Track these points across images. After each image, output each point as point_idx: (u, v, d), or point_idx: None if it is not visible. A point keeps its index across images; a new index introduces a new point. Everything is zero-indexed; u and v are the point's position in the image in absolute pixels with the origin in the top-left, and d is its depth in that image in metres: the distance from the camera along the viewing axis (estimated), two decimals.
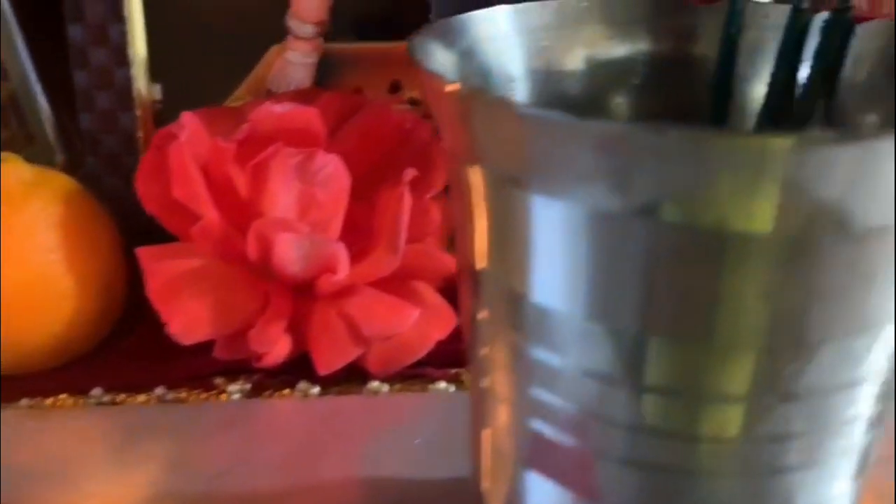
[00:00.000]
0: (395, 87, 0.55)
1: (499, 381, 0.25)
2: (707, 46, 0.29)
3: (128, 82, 0.53)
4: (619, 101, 0.30)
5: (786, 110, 0.28)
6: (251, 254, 0.42)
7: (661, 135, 0.18)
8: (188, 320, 0.41)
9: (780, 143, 0.18)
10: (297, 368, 0.43)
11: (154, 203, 0.44)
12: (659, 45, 0.30)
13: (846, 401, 0.22)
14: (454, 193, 0.26)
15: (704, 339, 0.21)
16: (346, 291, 0.43)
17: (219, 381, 0.43)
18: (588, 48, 0.29)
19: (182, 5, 0.54)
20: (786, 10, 0.27)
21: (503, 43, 0.28)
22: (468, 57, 0.27)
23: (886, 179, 0.18)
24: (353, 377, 0.43)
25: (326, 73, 0.54)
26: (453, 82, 0.22)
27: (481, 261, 0.24)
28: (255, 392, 0.43)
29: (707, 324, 0.21)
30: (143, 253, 0.43)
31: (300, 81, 0.54)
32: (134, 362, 0.44)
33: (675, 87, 0.30)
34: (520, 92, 0.29)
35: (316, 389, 0.43)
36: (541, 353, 0.23)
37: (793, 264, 0.20)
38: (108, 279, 0.44)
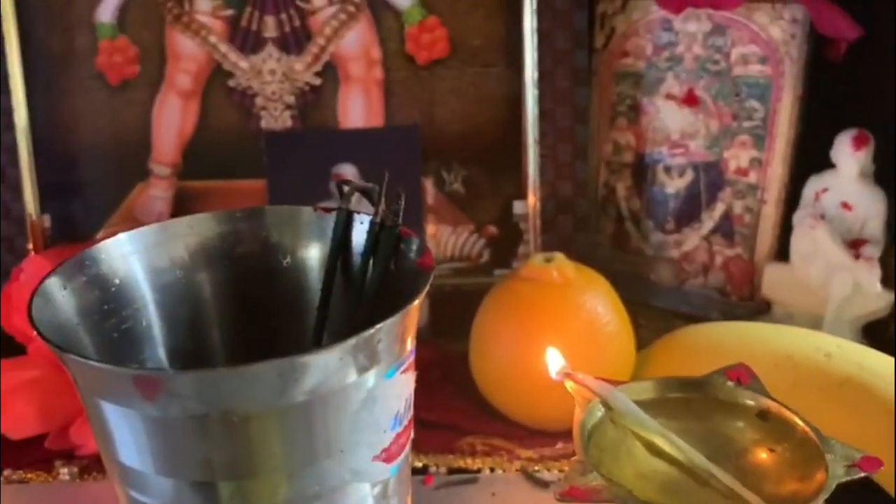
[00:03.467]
0: None
1: None
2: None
3: (23, 213, 0.58)
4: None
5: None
6: None
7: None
8: (17, 419, 0.46)
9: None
10: None
11: (5, 323, 0.49)
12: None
13: None
14: None
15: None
16: None
17: (56, 463, 0.47)
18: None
19: (66, 154, 0.59)
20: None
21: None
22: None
23: None
24: None
25: (182, 204, 0.59)
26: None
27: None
28: (83, 473, 0.46)
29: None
30: None
31: (160, 212, 0.59)
32: None
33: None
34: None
35: None
36: (136, 494, 0.29)
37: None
38: None
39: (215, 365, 0.33)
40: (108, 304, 0.31)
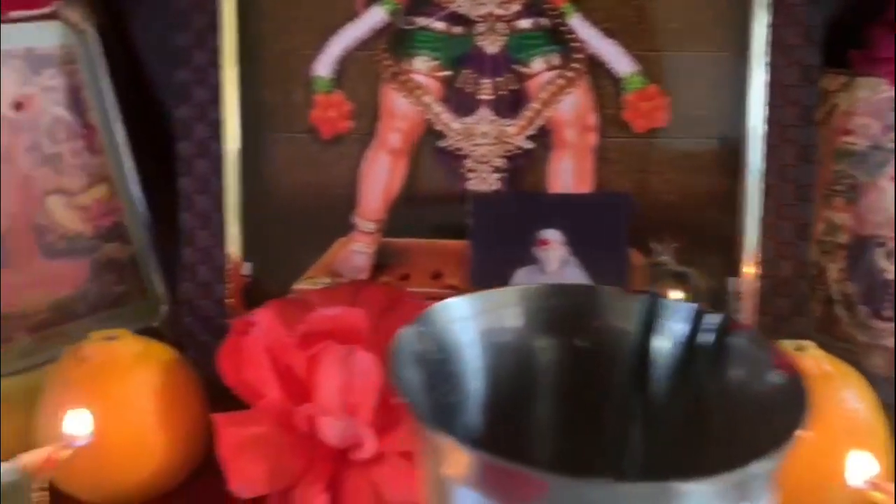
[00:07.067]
0: (436, 275, 0.58)
1: None
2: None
3: (224, 260, 0.57)
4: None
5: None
6: (301, 427, 0.44)
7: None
8: (247, 479, 0.43)
9: None
10: None
11: (231, 377, 0.46)
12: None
13: None
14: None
15: None
16: (375, 460, 0.44)
17: None
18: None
19: (272, 204, 0.58)
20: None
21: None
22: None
23: None
24: None
25: (382, 260, 0.58)
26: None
27: None
28: None
29: None
30: (218, 419, 0.45)
31: (360, 267, 0.58)
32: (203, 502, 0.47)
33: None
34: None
35: None
36: None
37: None
38: (193, 436, 0.47)
39: (535, 449, 0.30)
40: (438, 369, 0.28)
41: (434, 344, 0.29)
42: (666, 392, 0.31)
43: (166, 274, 0.63)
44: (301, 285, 0.57)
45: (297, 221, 0.58)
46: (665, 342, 0.31)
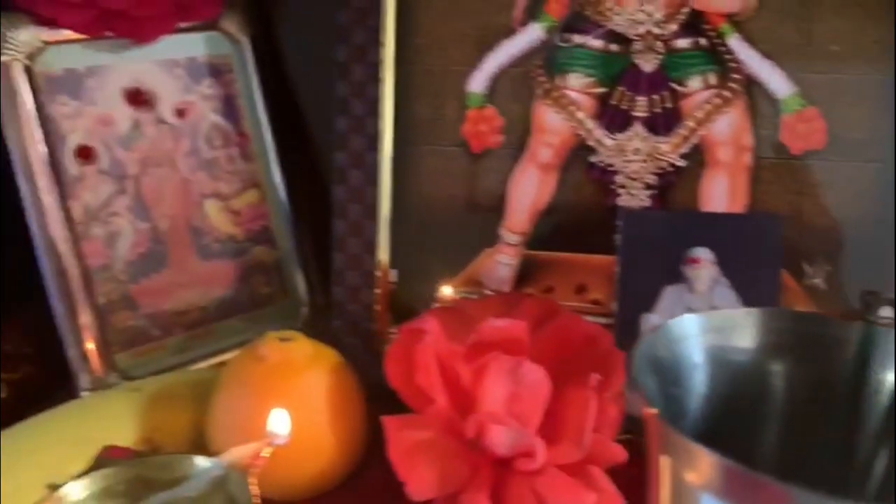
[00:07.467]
0: (580, 289, 0.59)
1: None
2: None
3: (373, 267, 0.59)
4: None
5: None
6: (468, 434, 0.45)
7: None
8: (421, 482, 0.44)
9: None
10: None
11: (398, 381, 0.47)
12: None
13: None
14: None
15: None
16: (537, 470, 0.45)
17: None
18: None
19: (421, 213, 0.59)
20: None
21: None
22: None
23: None
24: None
25: (526, 273, 0.59)
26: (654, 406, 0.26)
27: None
28: None
29: None
30: (388, 422, 0.46)
31: (504, 278, 0.59)
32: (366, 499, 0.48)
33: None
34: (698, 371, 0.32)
35: None
36: None
37: None
38: (357, 435, 0.48)
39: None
40: (667, 386, 0.29)
41: (668, 354, 0.30)
42: (883, 424, 0.31)
43: (307, 277, 0.66)
44: (444, 294, 0.59)
45: (442, 231, 0.59)
46: (884, 373, 0.31)
